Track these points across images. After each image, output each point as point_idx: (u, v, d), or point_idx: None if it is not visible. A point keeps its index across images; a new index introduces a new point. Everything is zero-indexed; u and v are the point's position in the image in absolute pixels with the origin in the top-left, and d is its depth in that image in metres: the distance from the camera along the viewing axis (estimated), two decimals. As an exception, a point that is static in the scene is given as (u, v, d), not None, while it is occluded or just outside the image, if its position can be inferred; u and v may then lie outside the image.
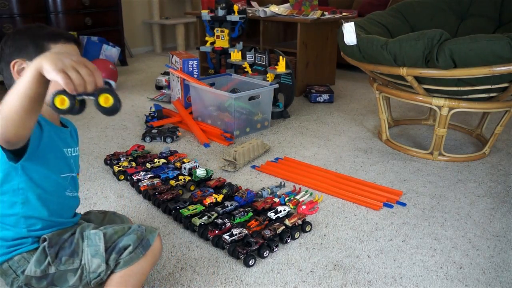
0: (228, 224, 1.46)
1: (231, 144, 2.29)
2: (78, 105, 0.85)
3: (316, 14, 3.12)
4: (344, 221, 1.58)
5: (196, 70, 2.70)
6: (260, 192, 1.72)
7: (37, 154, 0.98)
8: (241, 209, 1.56)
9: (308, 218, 1.58)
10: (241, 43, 3.09)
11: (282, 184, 1.84)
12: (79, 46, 1.08)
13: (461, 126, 2.53)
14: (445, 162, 2.09)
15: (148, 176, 1.81)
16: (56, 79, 0.75)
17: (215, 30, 3.06)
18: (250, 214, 1.55)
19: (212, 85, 2.63)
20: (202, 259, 1.36)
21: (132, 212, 1.63)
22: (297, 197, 1.72)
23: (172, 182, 1.77)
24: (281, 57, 2.58)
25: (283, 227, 1.46)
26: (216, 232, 1.42)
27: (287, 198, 1.70)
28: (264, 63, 2.73)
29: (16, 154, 0.93)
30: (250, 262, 1.31)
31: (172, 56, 2.87)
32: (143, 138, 2.33)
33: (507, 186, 1.86)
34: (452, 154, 2.12)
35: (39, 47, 0.99)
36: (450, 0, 2.41)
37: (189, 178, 1.82)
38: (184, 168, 1.88)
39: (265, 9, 3.29)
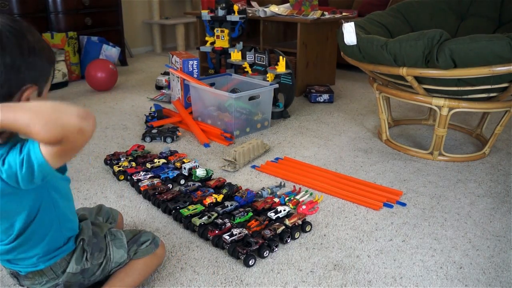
0: (228, 224, 1.46)
1: (231, 144, 2.29)
2: None
3: (316, 14, 3.12)
4: (344, 221, 1.58)
5: (196, 70, 2.70)
6: (260, 192, 1.72)
7: None
8: (241, 209, 1.56)
9: (308, 218, 1.58)
10: (241, 43, 3.09)
11: (282, 184, 1.84)
12: None
13: (461, 126, 2.53)
14: (445, 162, 2.09)
15: (148, 176, 1.81)
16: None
17: (215, 30, 3.06)
18: (250, 214, 1.55)
19: (212, 85, 2.63)
20: (202, 259, 1.36)
21: (132, 212, 1.64)
22: (297, 197, 1.72)
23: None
24: (281, 57, 2.58)
25: (283, 227, 1.46)
26: (216, 232, 1.42)
27: (287, 198, 1.70)
28: (264, 63, 2.73)
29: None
30: (250, 262, 1.32)
31: (172, 56, 2.87)
32: (143, 138, 2.33)
33: (507, 186, 1.86)
34: (452, 154, 2.12)
35: (49, 73, 0.94)
36: (450, 0, 2.41)
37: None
38: (184, 168, 1.88)
39: (265, 9, 3.29)
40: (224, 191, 1.70)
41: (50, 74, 0.94)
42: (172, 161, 1.98)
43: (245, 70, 2.81)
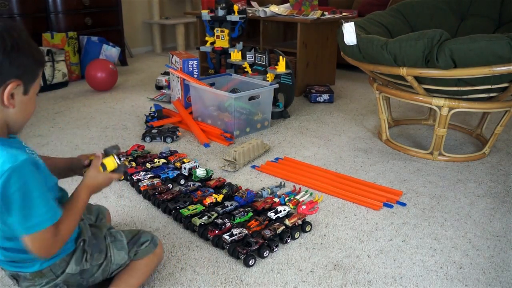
0: (228, 224, 1.46)
1: (231, 144, 2.29)
2: None
3: (316, 14, 3.12)
4: (344, 221, 1.58)
5: (196, 70, 2.70)
6: (260, 192, 1.72)
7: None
8: (241, 209, 1.56)
9: (308, 218, 1.58)
10: (241, 43, 3.09)
11: (282, 184, 1.84)
12: None
13: (461, 126, 2.53)
14: (445, 162, 2.09)
15: (148, 176, 1.81)
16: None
17: (215, 30, 3.06)
18: (250, 214, 1.55)
19: (212, 85, 2.63)
20: (202, 259, 1.36)
21: (132, 212, 1.63)
22: (297, 197, 1.72)
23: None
24: (281, 57, 2.58)
25: (283, 227, 1.46)
26: (216, 232, 1.43)
27: (287, 198, 1.70)
28: (264, 63, 2.73)
29: None
30: (250, 262, 1.32)
31: (172, 56, 2.87)
32: (143, 138, 2.33)
33: (507, 186, 1.86)
34: (452, 154, 2.12)
35: (36, 73, 0.97)
36: (450, 0, 2.41)
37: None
38: (184, 168, 1.88)
39: (265, 9, 3.29)
40: (224, 191, 1.70)
41: (37, 74, 0.96)
42: (172, 161, 1.98)
43: (245, 70, 2.81)
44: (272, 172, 1.96)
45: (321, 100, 3.07)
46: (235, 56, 2.86)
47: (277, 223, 1.48)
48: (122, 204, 1.69)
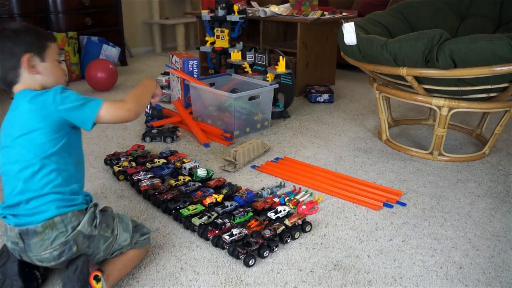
0: (228, 224, 1.46)
1: (231, 144, 2.29)
2: None
3: (316, 14, 3.12)
4: (344, 221, 1.58)
5: (196, 70, 2.70)
6: (260, 192, 1.72)
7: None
8: (241, 209, 1.56)
9: (308, 218, 1.58)
10: (241, 43, 3.09)
11: (282, 184, 1.84)
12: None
13: (461, 126, 2.53)
14: (445, 162, 2.09)
15: (148, 176, 1.81)
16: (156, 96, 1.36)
17: (215, 30, 3.06)
18: (250, 214, 1.55)
19: (212, 85, 2.63)
20: (202, 259, 1.36)
21: (132, 212, 1.64)
22: (297, 197, 1.72)
23: (172, 182, 1.77)
24: (281, 57, 2.58)
25: (283, 227, 1.46)
26: (216, 232, 1.43)
27: (287, 198, 1.70)
28: (264, 63, 2.73)
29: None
30: (250, 262, 1.32)
31: (172, 56, 2.87)
32: (143, 138, 2.33)
33: (507, 186, 1.86)
34: (452, 154, 2.12)
35: (44, 45, 1.18)
36: (450, 0, 2.41)
37: (189, 178, 1.82)
38: (184, 168, 1.88)
39: (265, 9, 3.29)
40: (224, 191, 1.70)
41: (45, 45, 1.18)
42: (172, 161, 1.98)
43: (245, 70, 2.81)
44: (272, 172, 1.96)
45: (321, 100, 3.07)
46: (235, 56, 2.86)
47: (277, 223, 1.48)
48: (122, 204, 1.69)
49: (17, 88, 1.16)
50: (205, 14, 3.05)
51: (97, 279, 1.11)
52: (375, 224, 1.57)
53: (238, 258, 1.34)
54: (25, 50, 1.14)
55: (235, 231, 1.40)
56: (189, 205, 1.61)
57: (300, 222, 1.51)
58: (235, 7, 2.96)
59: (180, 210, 1.56)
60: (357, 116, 2.78)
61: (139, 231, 1.29)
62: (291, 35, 3.75)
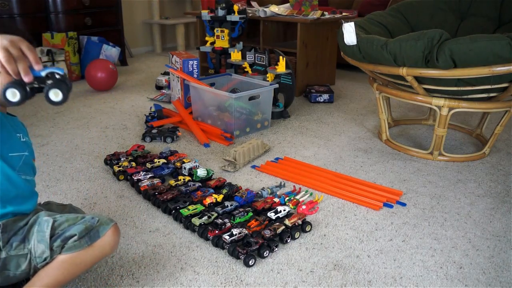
0: (228, 224, 1.46)
1: (231, 144, 2.29)
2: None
3: (316, 14, 3.12)
4: (344, 221, 1.58)
5: (196, 70, 2.70)
6: (260, 192, 1.72)
7: None
8: (241, 209, 1.56)
9: (308, 218, 1.58)
10: (241, 43, 3.09)
11: (282, 184, 1.84)
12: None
13: (461, 126, 2.53)
14: (445, 162, 2.09)
15: (148, 176, 1.81)
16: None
17: (215, 30, 3.06)
18: (250, 214, 1.55)
19: (212, 85, 2.63)
20: (202, 259, 1.36)
21: (132, 212, 1.64)
22: (297, 197, 1.72)
23: (172, 182, 1.77)
24: (281, 57, 2.58)
25: (283, 227, 1.46)
26: (216, 232, 1.43)
27: (287, 198, 1.70)
28: (264, 63, 2.73)
29: None
30: (250, 262, 1.32)
31: (172, 56, 2.87)
32: (143, 138, 2.33)
33: (507, 186, 1.86)
34: (452, 154, 2.12)
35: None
36: (450, 0, 2.41)
37: (189, 178, 1.82)
38: (184, 168, 1.88)
39: (265, 9, 3.29)
40: (224, 191, 1.70)
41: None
42: (172, 161, 1.98)
43: (245, 70, 2.81)
44: (272, 172, 1.96)
45: (321, 100, 3.07)
46: (235, 56, 2.86)
47: (277, 223, 1.48)
48: (122, 204, 1.69)
49: None
50: (205, 14, 3.05)
51: None
52: (375, 224, 1.57)
53: (238, 258, 1.34)
54: None
55: (235, 231, 1.40)
56: (189, 205, 1.61)
57: (300, 222, 1.51)
58: (235, 7, 2.96)
59: (180, 210, 1.56)
60: (357, 116, 2.78)
61: (60, 237, 1.06)
62: (291, 35, 3.75)
